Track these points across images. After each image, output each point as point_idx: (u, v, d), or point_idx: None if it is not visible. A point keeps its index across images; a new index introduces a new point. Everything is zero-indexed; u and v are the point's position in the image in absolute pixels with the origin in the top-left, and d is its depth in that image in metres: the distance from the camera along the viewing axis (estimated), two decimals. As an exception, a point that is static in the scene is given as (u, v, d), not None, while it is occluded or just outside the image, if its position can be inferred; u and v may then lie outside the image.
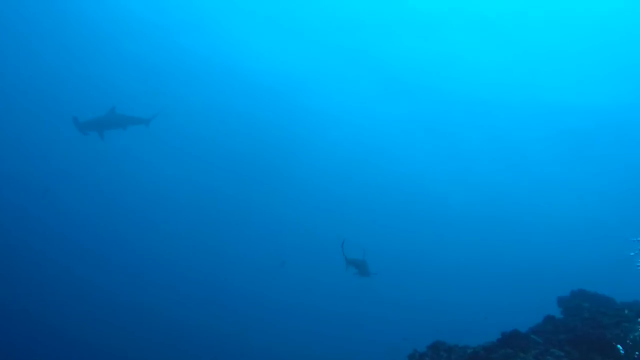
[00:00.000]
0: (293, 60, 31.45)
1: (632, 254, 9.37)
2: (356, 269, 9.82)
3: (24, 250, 32.98)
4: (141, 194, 39.80)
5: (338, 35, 29.56)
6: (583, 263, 34.80)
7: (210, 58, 32.70)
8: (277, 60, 31.80)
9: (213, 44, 31.69)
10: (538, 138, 31.40)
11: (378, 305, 34.46)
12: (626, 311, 7.35)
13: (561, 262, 35.56)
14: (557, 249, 36.82)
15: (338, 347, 31.94)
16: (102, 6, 29.77)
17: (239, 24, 29.62)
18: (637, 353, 5.84)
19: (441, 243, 38.94)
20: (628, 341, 5.94)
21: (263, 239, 39.54)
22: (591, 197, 34.01)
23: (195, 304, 34.01)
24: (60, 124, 15.53)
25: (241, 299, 35.81)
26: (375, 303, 34.08)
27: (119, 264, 35.17)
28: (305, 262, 36.49)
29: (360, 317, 34.76)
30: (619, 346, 5.91)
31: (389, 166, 37.82)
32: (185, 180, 40.12)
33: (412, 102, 32.29)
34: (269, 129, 36.88)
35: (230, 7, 28.55)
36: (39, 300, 29.73)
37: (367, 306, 34.49)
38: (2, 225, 32.97)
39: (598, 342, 6.12)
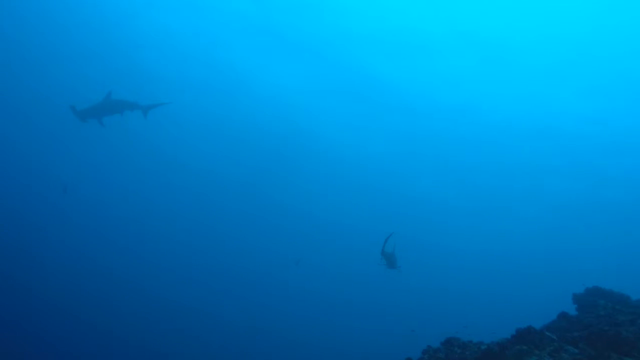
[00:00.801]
0: (294, 69, 32.44)
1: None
2: (385, 261, 10.16)
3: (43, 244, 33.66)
4: (168, 191, 40.45)
5: (336, 48, 30.64)
6: (598, 261, 34.64)
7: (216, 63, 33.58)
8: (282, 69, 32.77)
9: (216, 47, 32.53)
10: (551, 145, 31.95)
11: (391, 296, 34.75)
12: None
13: (575, 260, 35.37)
14: (572, 247, 36.60)
15: (349, 337, 32.23)
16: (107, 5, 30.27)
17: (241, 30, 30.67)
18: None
19: (457, 240, 38.94)
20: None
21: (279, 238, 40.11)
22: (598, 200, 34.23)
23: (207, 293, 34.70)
24: (69, 118, 15.56)
25: (259, 292, 36.45)
26: (389, 294, 34.41)
27: (143, 258, 35.83)
28: (318, 258, 36.89)
29: (373, 308, 35.13)
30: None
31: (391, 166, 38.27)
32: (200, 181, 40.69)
33: (412, 116, 33.33)
34: (276, 134, 37.63)
35: (233, 16, 29.50)
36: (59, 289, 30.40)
37: (382, 297, 34.82)
38: (25, 224, 33.66)
39: (614, 340, 6.08)
